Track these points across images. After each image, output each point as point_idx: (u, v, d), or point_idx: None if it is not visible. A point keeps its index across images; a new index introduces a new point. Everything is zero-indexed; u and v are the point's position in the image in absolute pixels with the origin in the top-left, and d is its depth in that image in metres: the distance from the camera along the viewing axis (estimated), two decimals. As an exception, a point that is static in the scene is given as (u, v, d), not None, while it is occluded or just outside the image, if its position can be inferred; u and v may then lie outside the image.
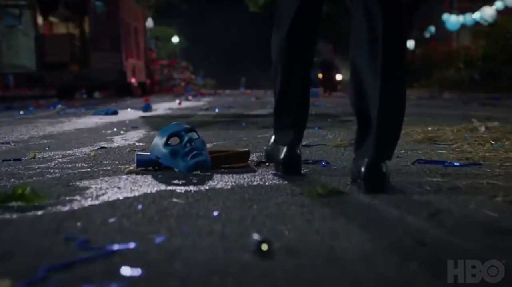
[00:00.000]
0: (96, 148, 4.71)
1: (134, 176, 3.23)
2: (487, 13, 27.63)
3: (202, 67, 59.12)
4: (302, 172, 3.26)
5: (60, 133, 6.26)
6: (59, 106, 12.13)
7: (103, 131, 6.39)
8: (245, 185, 2.92)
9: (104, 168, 3.55)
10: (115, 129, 6.60)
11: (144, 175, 3.24)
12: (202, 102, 16.33)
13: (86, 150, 4.58)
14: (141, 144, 4.99)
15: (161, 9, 46.97)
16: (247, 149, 3.68)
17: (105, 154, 4.26)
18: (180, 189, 2.80)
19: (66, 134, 6.12)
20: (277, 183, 2.97)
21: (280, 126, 3.29)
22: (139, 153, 3.55)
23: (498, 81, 20.94)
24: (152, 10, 42.19)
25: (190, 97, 20.22)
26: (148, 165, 3.41)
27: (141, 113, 10.29)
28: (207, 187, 2.85)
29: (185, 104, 14.81)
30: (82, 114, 10.10)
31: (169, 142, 3.35)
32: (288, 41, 3.13)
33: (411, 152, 4.15)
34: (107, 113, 9.90)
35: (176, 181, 3.05)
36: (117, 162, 3.79)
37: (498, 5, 27.44)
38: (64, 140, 5.44)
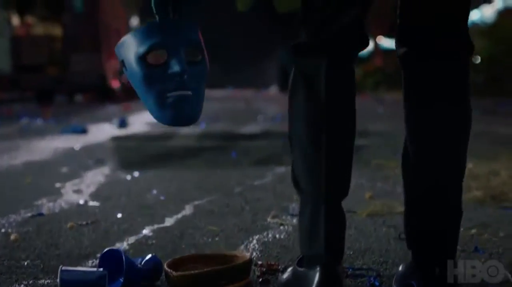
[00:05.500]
0: (29, 215, 3.33)
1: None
2: (487, 13, 26.48)
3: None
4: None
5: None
6: (24, 120, 10.77)
7: (57, 169, 5.02)
8: None
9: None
10: (73, 166, 5.20)
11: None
12: (187, 110, 14.91)
13: (11, 220, 3.21)
14: (95, 204, 3.63)
15: (147, 7, 45.58)
16: (247, 258, 2.23)
17: (29, 240, 2.82)
18: None
19: (4, 178, 4.74)
20: None
21: (308, 237, 1.93)
22: (65, 268, 2.12)
23: (502, 85, 19.73)
24: (136, 8, 40.75)
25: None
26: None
27: (115, 131, 8.93)
28: None
29: (168, 114, 13.38)
30: (46, 132, 8.67)
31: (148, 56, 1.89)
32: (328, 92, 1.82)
33: (485, 232, 2.82)
34: (75, 131, 8.53)
35: None
36: (34, 271, 2.40)
37: (499, 4, 26.22)
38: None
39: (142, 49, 1.86)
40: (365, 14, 1.95)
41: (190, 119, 1.90)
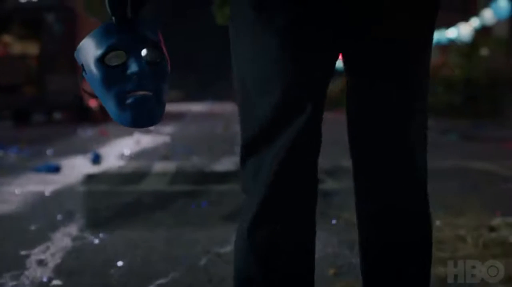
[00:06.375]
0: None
1: None
2: (464, 31, 26.62)
3: (170, 79, 58.04)
4: None
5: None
6: (-3, 152, 10.76)
7: (25, 228, 4.99)
8: None
9: None
10: (41, 222, 5.18)
11: None
12: (163, 135, 14.91)
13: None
14: (58, 282, 3.62)
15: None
16: None
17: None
18: None
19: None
20: None
21: None
22: None
23: (479, 105, 19.84)
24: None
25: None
26: None
27: (88, 167, 8.93)
28: None
29: (144, 140, 13.39)
30: (19, 170, 8.64)
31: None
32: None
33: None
34: (48, 170, 8.50)
35: None
36: None
37: (475, 23, 26.35)
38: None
39: (99, 51, 1.87)
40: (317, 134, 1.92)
41: (150, 120, 1.90)
